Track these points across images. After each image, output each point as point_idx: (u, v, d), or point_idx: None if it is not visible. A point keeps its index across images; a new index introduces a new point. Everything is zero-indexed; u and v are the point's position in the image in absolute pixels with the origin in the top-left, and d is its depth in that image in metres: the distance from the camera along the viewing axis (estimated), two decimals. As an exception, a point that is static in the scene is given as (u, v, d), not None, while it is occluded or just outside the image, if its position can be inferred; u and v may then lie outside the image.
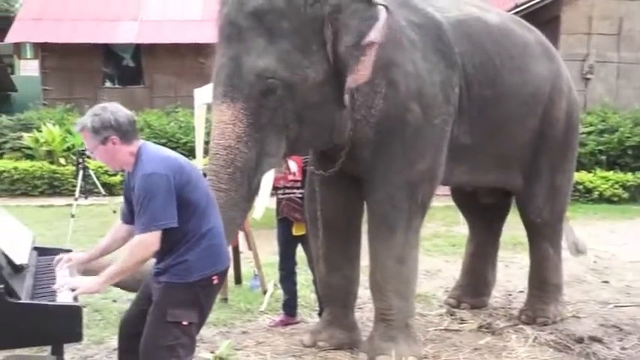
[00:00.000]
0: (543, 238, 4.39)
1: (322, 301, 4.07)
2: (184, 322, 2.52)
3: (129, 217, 2.70)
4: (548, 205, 4.29)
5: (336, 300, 3.88)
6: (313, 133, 3.24)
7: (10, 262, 2.44)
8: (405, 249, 3.49)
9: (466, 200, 4.77)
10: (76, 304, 2.33)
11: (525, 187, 4.23)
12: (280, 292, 4.60)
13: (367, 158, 3.45)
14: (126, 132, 2.51)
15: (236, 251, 5.08)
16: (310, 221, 3.87)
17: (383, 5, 3.06)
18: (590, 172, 10.94)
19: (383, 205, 3.48)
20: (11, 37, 14.01)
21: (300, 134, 3.18)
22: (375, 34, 3.03)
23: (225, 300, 4.72)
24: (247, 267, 5.50)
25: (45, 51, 14.59)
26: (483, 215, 4.75)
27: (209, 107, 8.50)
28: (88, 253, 2.80)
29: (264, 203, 3.13)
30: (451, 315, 4.56)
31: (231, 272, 4.71)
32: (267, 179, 3.16)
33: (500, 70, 3.79)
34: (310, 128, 3.20)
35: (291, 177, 4.17)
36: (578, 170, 7.83)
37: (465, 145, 3.74)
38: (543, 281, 4.41)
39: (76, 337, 2.27)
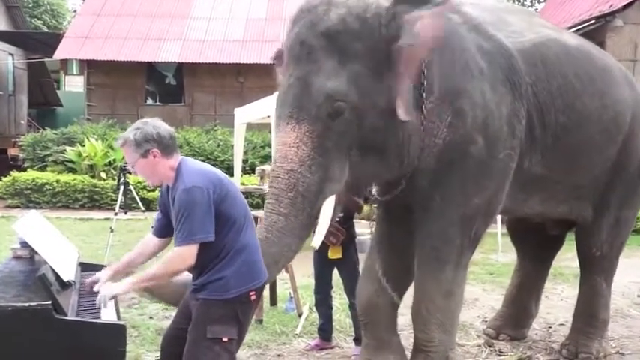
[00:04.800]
0: (598, 272, 4.21)
1: (362, 321, 3.88)
2: (224, 339, 2.54)
3: (163, 229, 2.76)
4: (609, 239, 4.11)
5: (380, 323, 3.72)
6: (379, 161, 3.09)
7: (57, 277, 2.48)
8: (454, 284, 3.37)
9: (523, 231, 4.59)
10: (122, 322, 2.36)
11: (593, 218, 4.04)
12: (316, 315, 4.58)
13: (424, 188, 3.28)
14: (167, 146, 2.57)
15: (272, 272, 5.07)
16: (373, 245, 3.80)
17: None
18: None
19: (434, 239, 3.33)
20: (59, 53, 14.43)
21: (365, 161, 3.04)
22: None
23: (260, 321, 4.71)
24: (283, 288, 5.49)
25: (91, 68, 14.98)
26: (537, 247, 4.59)
27: (248, 126, 8.66)
28: (112, 269, 2.80)
29: (324, 231, 3.02)
30: (489, 346, 4.46)
31: (266, 293, 4.72)
32: (329, 206, 3.06)
33: (581, 94, 3.59)
34: (376, 156, 3.06)
35: None
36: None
37: (538, 176, 3.57)
38: (591, 316, 4.24)
39: (120, 355, 2.28)
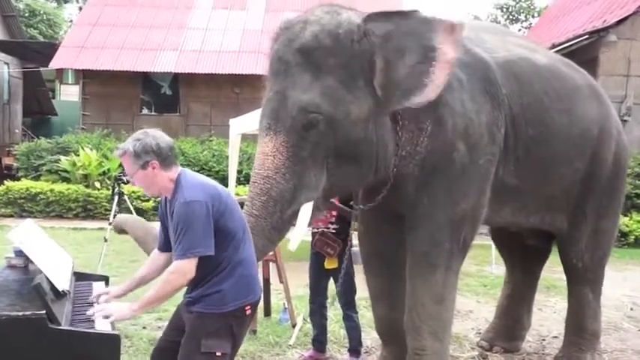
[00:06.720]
0: (583, 283, 4.26)
1: (382, 340, 4.00)
2: (218, 353, 2.52)
3: (165, 244, 2.73)
4: (589, 249, 4.17)
5: (399, 338, 3.73)
6: (354, 171, 3.21)
7: (52, 287, 2.48)
8: (445, 289, 3.43)
9: (507, 241, 4.66)
10: (115, 332, 2.35)
11: (569, 229, 4.13)
12: (310, 326, 4.57)
13: (411, 194, 3.41)
14: (166, 157, 2.57)
15: (267, 283, 5.07)
16: (366, 258, 3.90)
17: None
18: (625, 215, 10.68)
19: (424, 243, 3.43)
20: (55, 63, 14.40)
21: (340, 171, 3.16)
22: (450, 50, 3.05)
23: (254, 332, 4.70)
24: (277, 299, 5.48)
25: (86, 77, 14.96)
26: (523, 257, 4.65)
27: (243, 137, 8.67)
28: (125, 286, 2.80)
29: (301, 236, 3.11)
30: (483, 358, 4.48)
31: (260, 304, 4.70)
32: (306, 212, 3.14)
33: (549, 110, 3.74)
34: (351, 165, 3.17)
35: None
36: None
37: (510, 186, 3.68)
38: (581, 328, 4.28)
39: (113, 365, 2.28)
